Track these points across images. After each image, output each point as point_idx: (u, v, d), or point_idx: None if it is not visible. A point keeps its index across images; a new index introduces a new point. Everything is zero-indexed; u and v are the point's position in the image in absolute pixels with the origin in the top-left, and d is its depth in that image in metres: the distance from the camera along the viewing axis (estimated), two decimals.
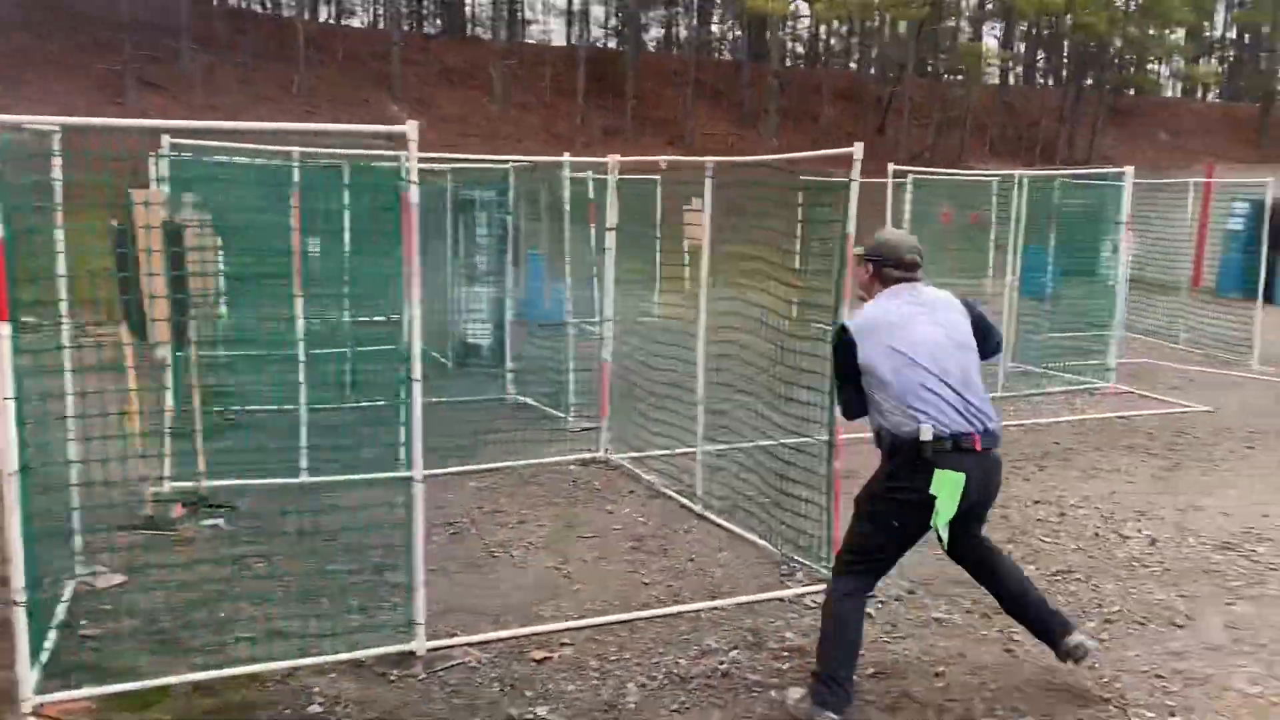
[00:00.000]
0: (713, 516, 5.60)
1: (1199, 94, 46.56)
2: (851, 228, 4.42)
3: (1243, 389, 9.85)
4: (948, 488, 3.35)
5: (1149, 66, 39.26)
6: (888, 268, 3.62)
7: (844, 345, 3.58)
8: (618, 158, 6.78)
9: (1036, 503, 6.03)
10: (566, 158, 7.71)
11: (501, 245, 8.81)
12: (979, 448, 3.42)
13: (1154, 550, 5.26)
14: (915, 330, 3.49)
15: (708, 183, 5.64)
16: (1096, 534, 5.51)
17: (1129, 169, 10.08)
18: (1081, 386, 9.69)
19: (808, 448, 4.89)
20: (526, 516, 5.60)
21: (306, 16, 31.25)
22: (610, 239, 6.71)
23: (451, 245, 8.99)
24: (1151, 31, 34.61)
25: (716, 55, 37.57)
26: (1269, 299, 18.46)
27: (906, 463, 3.42)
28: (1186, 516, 5.81)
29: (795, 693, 3.59)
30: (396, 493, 4.18)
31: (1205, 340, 12.26)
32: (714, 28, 37.57)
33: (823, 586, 4.09)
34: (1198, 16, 34.98)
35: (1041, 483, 6.49)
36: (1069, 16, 31.70)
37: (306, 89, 26.99)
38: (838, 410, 4.09)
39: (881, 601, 4.46)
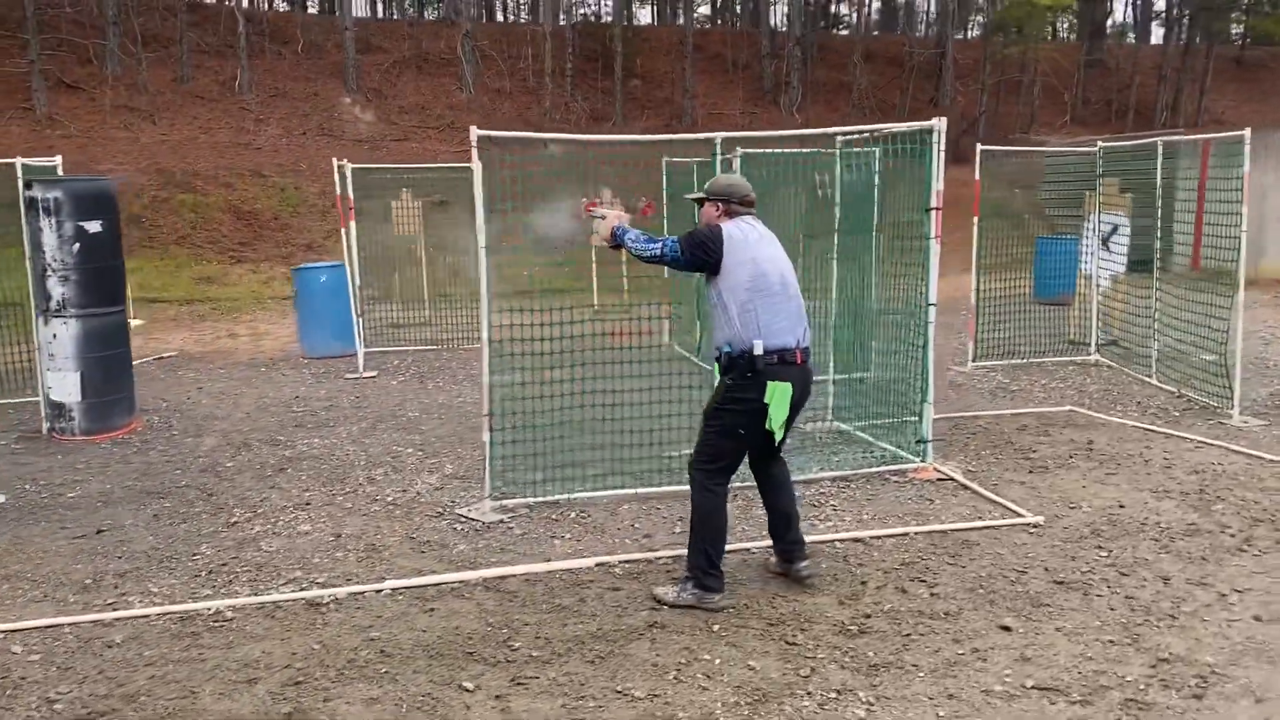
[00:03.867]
0: None
1: None
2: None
3: (1146, 474, 6.30)
4: (777, 397, 4.26)
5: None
6: (733, 204, 4.48)
7: (714, 240, 4.32)
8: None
9: None
10: None
11: None
12: (800, 361, 4.34)
13: None
14: (766, 249, 4.40)
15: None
16: None
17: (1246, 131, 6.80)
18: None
19: None
20: None
21: (251, 4, 28.74)
22: None
23: None
24: None
25: (731, 24, 33.99)
26: None
27: (741, 375, 4.28)
28: None
29: (668, 590, 4.38)
30: None
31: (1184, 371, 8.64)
32: None
33: None
34: None
35: None
36: None
37: (250, 84, 24.41)
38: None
39: None
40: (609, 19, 30.90)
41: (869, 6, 37.74)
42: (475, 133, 5.32)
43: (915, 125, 6.10)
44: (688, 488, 4.45)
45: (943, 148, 5.96)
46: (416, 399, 8.81)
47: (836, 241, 7.27)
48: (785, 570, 4.57)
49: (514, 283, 8.20)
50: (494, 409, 5.67)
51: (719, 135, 6.44)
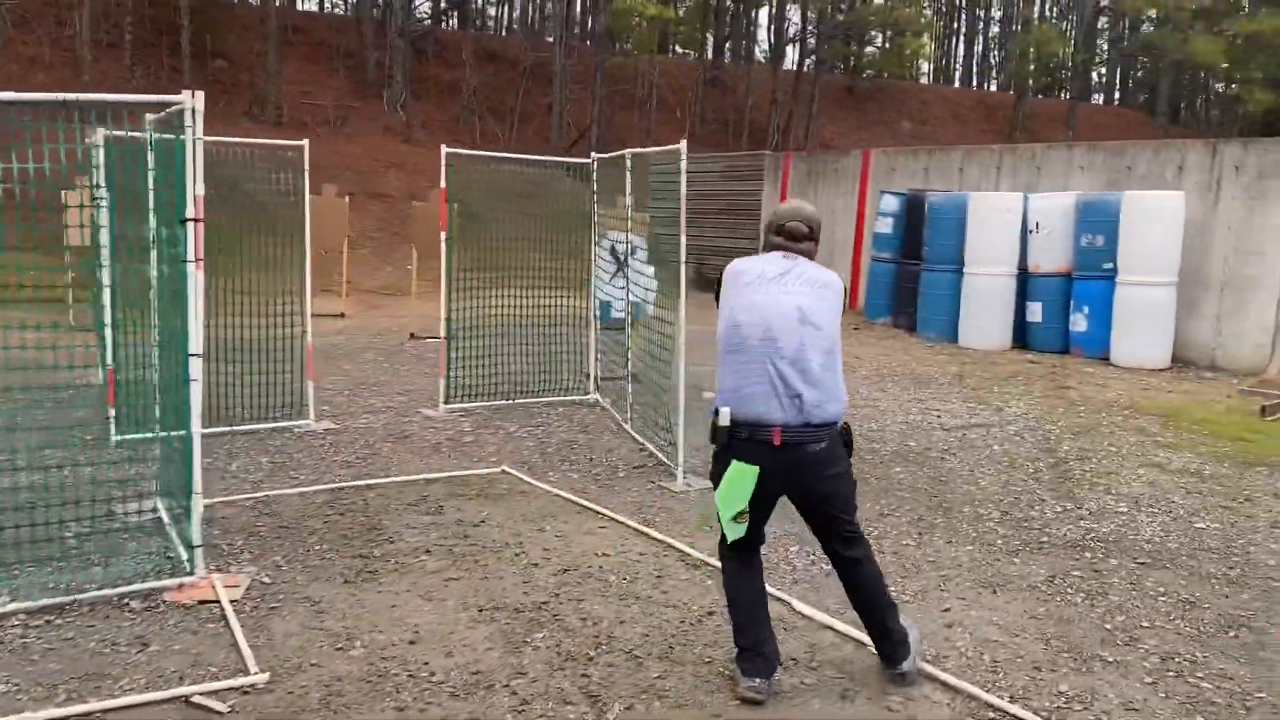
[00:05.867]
0: None
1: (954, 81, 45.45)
2: None
3: (498, 577, 5.18)
4: (733, 479, 3.52)
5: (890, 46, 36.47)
6: (769, 233, 3.79)
7: (718, 282, 3.77)
8: None
9: None
10: None
11: None
12: (778, 442, 3.48)
13: None
14: (761, 291, 3.60)
15: None
16: None
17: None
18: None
19: None
20: None
21: None
22: None
23: None
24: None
25: (346, 11, 31.61)
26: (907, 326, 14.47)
27: (714, 442, 3.66)
28: None
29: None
30: None
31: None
32: None
33: None
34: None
35: None
36: None
37: None
38: None
39: None
40: None
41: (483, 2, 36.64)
42: None
43: (146, 98, 4.35)
44: None
45: (199, 133, 4.27)
46: None
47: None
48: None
49: None
50: None
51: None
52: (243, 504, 5.76)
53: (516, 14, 38.47)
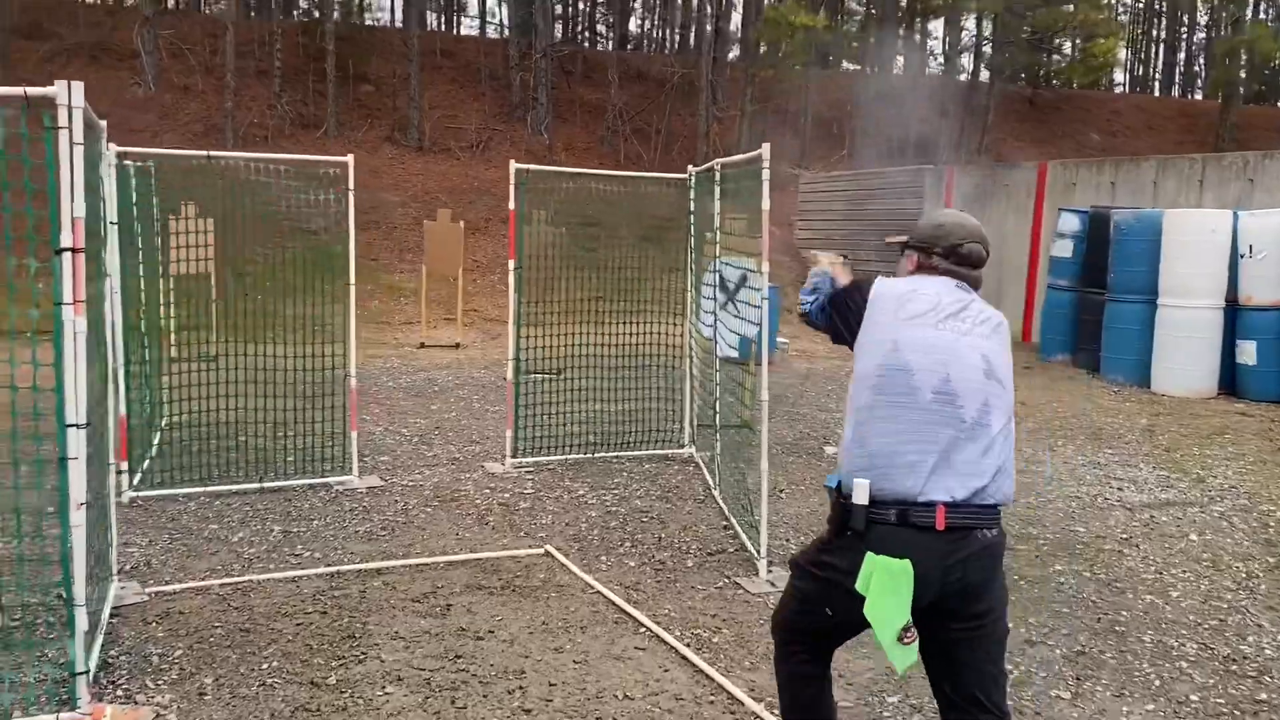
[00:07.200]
0: None
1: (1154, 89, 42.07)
2: None
3: None
4: (884, 582, 2.55)
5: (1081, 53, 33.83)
6: (930, 253, 2.94)
7: (854, 297, 2.91)
8: None
9: None
10: None
11: None
12: (941, 525, 2.57)
13: None
14: (936, 329, 2.75)
15: None
16: None
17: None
18: None
19: None
20: None
21: None
22: None
23: None
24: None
25: (500, 33, 31.52)
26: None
27: (838, 529, 2.74)
28: None
29: None
30: None
31: None
32: None
33: None
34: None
35: None
36: None
37: None
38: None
39: None
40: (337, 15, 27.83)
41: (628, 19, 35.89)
42: None
43: None
44: None
45: (77, 137, 3.28)
46: None
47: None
48: None
49: None
50: None
51: None
52: (213, 593, 4.79)
53: (665, 31, 37.74)
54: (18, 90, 3.20)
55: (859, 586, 2.58)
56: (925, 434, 2.64)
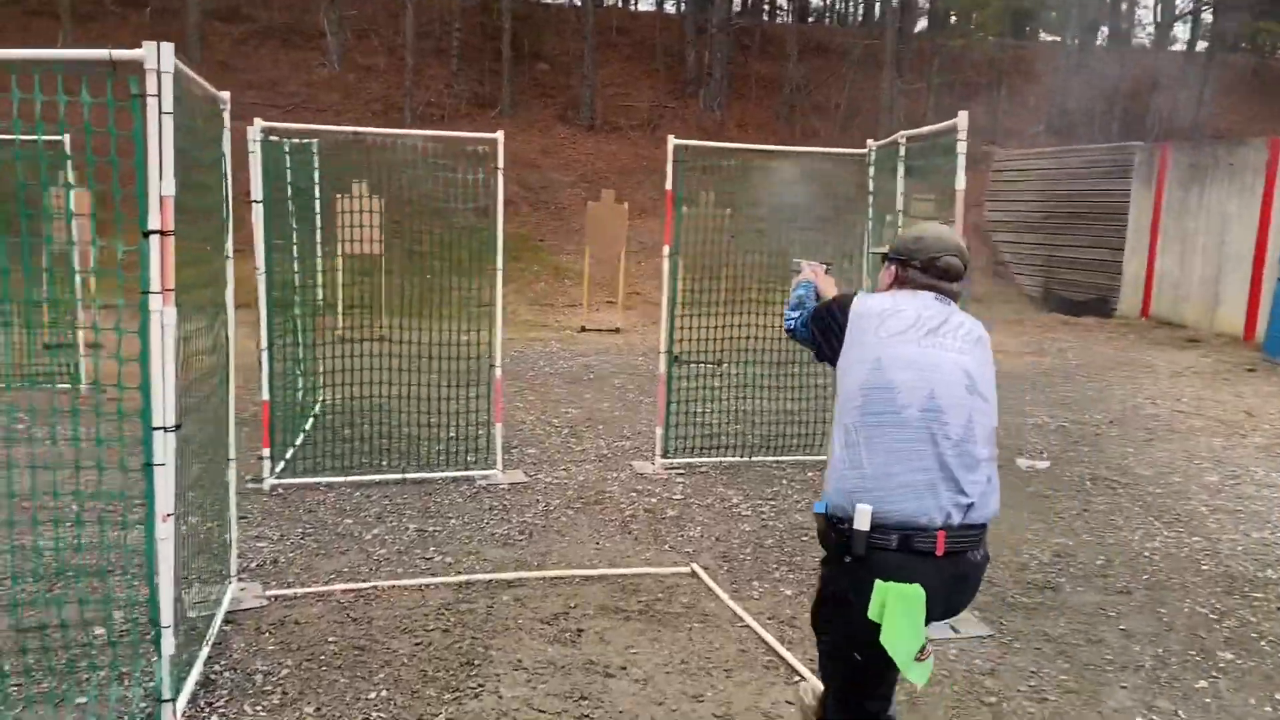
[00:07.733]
0: None
1: None
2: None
3: None
4: (900, 609, 2.53)
5: None
6: (908, 266, 2.93)
7: (833, 313, 2.90)
8: None
9: None
10: None
11: None
12: (941, 550, 2.59)
13: None
14: (917, 345, 2.74)
15: None
16: None
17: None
18: None
19: None
20: None
21: None
22: None
23: None
24: None
25: (657, 8, 30.99)
26: None
27: (835, 558, 2.71)
28: None
29: None
30: None
31: None
32: None
33: None
34: None
35: None
36: None
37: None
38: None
39: None
40: None
41: None
42: None
43: None
44: None
45: (167, 105, 2.93)
46: None
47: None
48: None
49: None
50: None
51: None
52: (335, 600, 4.49)
53: (847, 4, 36.32)
54: (102, 52, 2.87)
55: (871, 614, 2.55)
56: (915, 452, 2.64)
